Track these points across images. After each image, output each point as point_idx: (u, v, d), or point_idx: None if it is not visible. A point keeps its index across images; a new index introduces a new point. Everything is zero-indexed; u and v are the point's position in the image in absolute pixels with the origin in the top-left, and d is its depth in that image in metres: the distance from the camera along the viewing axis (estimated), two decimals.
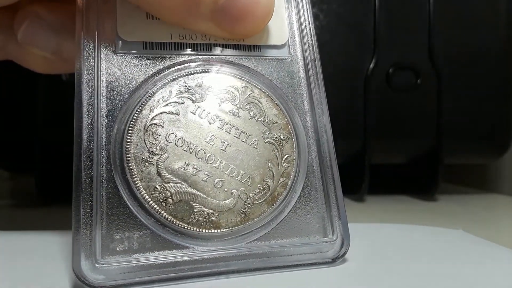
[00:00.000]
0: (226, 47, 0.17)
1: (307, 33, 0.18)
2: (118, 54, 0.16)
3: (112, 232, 0.14)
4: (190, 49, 0.17)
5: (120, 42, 0.16)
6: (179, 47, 0.16)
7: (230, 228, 0.16)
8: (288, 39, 0.18)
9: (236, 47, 0.17)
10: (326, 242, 0.17)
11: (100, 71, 0.16)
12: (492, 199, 0.33)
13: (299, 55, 0.18)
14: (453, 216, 0.26)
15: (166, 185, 0.15)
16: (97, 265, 0.14)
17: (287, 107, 0.17)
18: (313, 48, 0.18)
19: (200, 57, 0.17)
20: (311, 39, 0.18)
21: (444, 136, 0.29)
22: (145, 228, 0.15)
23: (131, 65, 0.16)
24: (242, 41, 0.17)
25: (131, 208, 0.15)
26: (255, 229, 0.16)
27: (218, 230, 0.15)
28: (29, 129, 0.27)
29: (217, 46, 0.17)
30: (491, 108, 0.30)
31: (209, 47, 0.17)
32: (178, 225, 0.15)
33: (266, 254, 0.16)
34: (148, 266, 0.14)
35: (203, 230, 0.15)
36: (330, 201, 0.17)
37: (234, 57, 0.17)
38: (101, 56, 0.16)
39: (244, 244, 0.16)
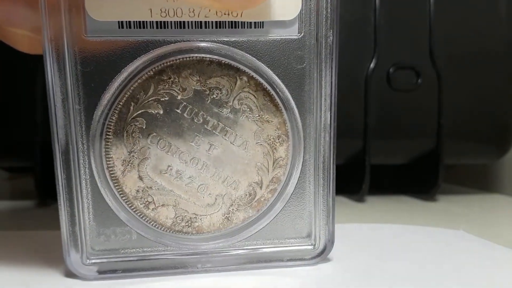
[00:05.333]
0: (219, 25, 0.14)
1: (326, 5, 0.14)
2: (90, 37, 0.13)
3: (99, 229, 0.15)
4: (175, 29, 0.14)
5: (90, 22, 0.13)
6: (161, 25, 0.14)
7: (213, 232, 0.15)
8: (299, 14, 0.14)
9: (232, 24, 0.14)
10: (308, 246, 0.16)
11: (71, 59, 0.13)
12: (493, 199, 0.32)
13: (312, 35, 0.14)
14: (453, 217, 0.25)
15: (148, 189, 0.14)
16: (85, 258, 0.14)
17: (287, 102, 0.15)
18: (332, 26, 0.14)
19: (187, 38, 0.14)
20: (331, 14, 0.14)
21: (445, 136, 0.28)
22: (129, 225, 0.14)
23: (105, 51, 0.13)
24: (239, 16, 0.14)
25: (114, 211, 0.14)
26: (238, 232, 0.15)
27: (201, 234, 0.15)
28: (29, 129, 0.26)
29: (208, 24, 0.14)
30: (491, 108, 0.29)
31: (198, 25, 0.14)
32: (160, 229, 0.15)
33: (247, 257, 0.16)
34: (131, 260, 0.15)
35: (185, 235, 0.15)
36: (320, 207, 0.16)
37: (229, 37, 0.14)
38: (70, 40, 0.13)
39: (225, 245, 0.15)
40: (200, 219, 0.15)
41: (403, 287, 0.14)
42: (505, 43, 0.29)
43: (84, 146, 0.14)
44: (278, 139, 0.15)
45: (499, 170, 0.34)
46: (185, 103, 0.14)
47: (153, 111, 0.14)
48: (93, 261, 0.15)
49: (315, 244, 0.16)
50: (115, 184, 0.14)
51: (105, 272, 0.15)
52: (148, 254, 0.15)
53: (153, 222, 0.15)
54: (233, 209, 0.15)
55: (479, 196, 0.33)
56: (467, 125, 0.29)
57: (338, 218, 0.24)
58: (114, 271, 0.15)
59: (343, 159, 0.29)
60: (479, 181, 0.36)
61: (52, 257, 0.16)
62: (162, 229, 0.15)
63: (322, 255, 0.16)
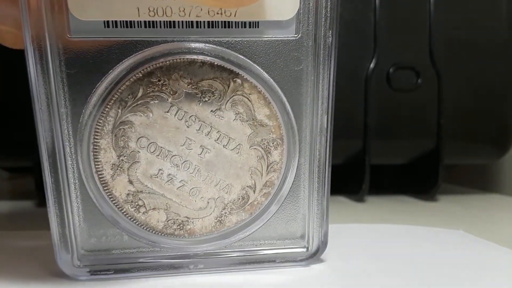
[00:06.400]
0: (211, 25, 0.13)
1: (326, 4, 0.13)
2: (74, 38, 0.13)
3: (89, 231, 0.14)
4: (165, 29, 0.13)
5: (74, 21, 0.13)
6: (150, 25, 0.13)
7: (205, 234, 0.15)
8: (296, 13, 0.13)
9: (225, 24, 0.13)
10: (301, 249, 0.16)
11: (55, 60, 0.13)
12: (493, 199, 0.32)
13: (310, 36, 0.14)
14: (453, 217, 0.25)
15: (138, 193, 0.14)
16: (76, 259, 0.14)
17: (283, 106, 0.14)
18: (331, 27, 0.13)
19: (177, 39, 0.13)
20: (330, 14, 0.13)
21: (445, 136, 0.28)
22: (120, 228, 0.14)
23: (91, 52, 0.13)
24: (233, 16, 0.13)
25: (104, 214, 0.14)
26: (230, 235, 0.15)
27: (193, 237, 0.14)
28: (29, 129, 0.26)
29: (199, 24, 0.13)
30: (491, 108, 0.29)
31: (189, 25, 0.13)
32: (152, 232, 0.14)
33: (239, 258, 0.15)
34: (123, 261, 0.15)
35: (177, 237, 0.14)
36: (314, 210, 0.15)
37: (222, 38, 0.13)
38: (53, 40, 0.12)
39: (217, 247, 0.15)
40: (192, 222, 0.14)
41: (402, 286, 0.14)
42: (505, 43, 0.29)
43: (72, 149, 0.13)
44: (273, 143, 0.14)
45: (499, 170, 0.34)
46: (175, 106, 0.13)
47: (142, 115, 0.13)
48: (85, 262, 0.14)
49: (308, 247, 0.16)
50: (105, 188, 0.14)
51: (97, 272, 0.14)
52: (140, 255, 0.15)
53: (144, 225, 0.14)
54: (225, 212, 0.15)
55: (479, 196, 0.32)
56: (467, 125, 0.29)
57: (338, 218, 0.24)
58: (106, 271, 0.14)
59: (343, 159, 0.29)
60: (479, 181, 0.35)
61: (50, 257, 0.16)
62: (153, 232, 0.14)
63: (314, 256, 0.16)
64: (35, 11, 0.12)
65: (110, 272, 0.15)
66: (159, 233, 0.14)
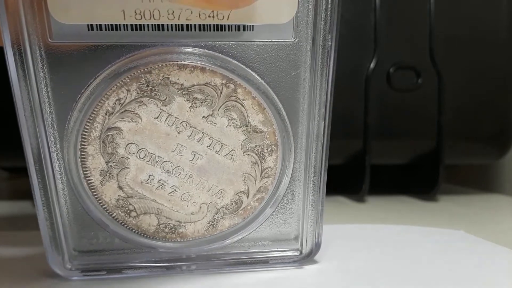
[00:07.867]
0: (203, 29, 0.13)
1: (326, 6, 0.13)
2: (56, 42, 0.12)
3: (80, 233, 0.14)
4: (153, 32, 0.12)
5: (56, 25, 0.12)
6: (137, 29, 0.12)
7: (197, 238, 0.14)
8: (294, 16, 0.13)
9: (217, 28, 0.13)
10: (294, 252, 0.15)
11: (37, 65, 0.12)
12: (493, 199, 0.31)
13: (309, 40, 0.13)
14: (454, 217, 0.25)
15: (129, 198, 0.13)
16: (67, 260, 0.14)
17: (278, 111, 0.14)
18: (331, 30, 0.13)
19: (166, 43, 0.12)
20: (330, 16, 0.13)
21: (445, 136, 0.28)
22: (109, 232, 0.14)
23: (75, 57, 0.12)
24: (226, 19, 0.12)
25: (95, 219, 0.14)
26: (223, 238, 0.15)
27: (185, 240, 0.14)
28: None
29: (190, 28, 0.12)
30: (492, 107, 0.29)
31: (179, 29, 0.12)
32: (143, 235, 0.14)
33: (232, 261, 0.15)
34: (115, 261, 0.14)
35: (169, 240, 0.14)
36: (309, 214, 0.15)
37: (214, 42, 0.13)
38: (34, 45, 0.12)
39: (210, 249, 0.15)
40: (184, 226, 0.14)
41: (402, 286, 0.14)
42: (506, 43, 0.29)
43: (59, 155, 0.13)
44: (267, 149, 0.14)
45: (499, 170, 0.34)
46: (165, 112, 0.13)
47: (131, 121, 0.13)
48: (77, 263, 0.14)
49: (301, 250, 0.16)
50: (94, 193, 0.13)
51: (89, 273, 0.14)
52: (132, 257, 0.15)
53: (135, 229, 0.14)
54: (218, 217, 0.14)
55: (479, 196, 0.32)
56: (467, 125, 0.29)
57: (338, 218, 0.24)
58: (98, 272, 0.14)
59: (343, 159, 0.29)
60: (479, 181, 0.35)
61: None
62: (145, 235, 0.14)
63: (307, 258, 0.16)
64: (13, 11, 0.11)
65: (102, 273, 0.14)
66: (151, 237, 0.14)
